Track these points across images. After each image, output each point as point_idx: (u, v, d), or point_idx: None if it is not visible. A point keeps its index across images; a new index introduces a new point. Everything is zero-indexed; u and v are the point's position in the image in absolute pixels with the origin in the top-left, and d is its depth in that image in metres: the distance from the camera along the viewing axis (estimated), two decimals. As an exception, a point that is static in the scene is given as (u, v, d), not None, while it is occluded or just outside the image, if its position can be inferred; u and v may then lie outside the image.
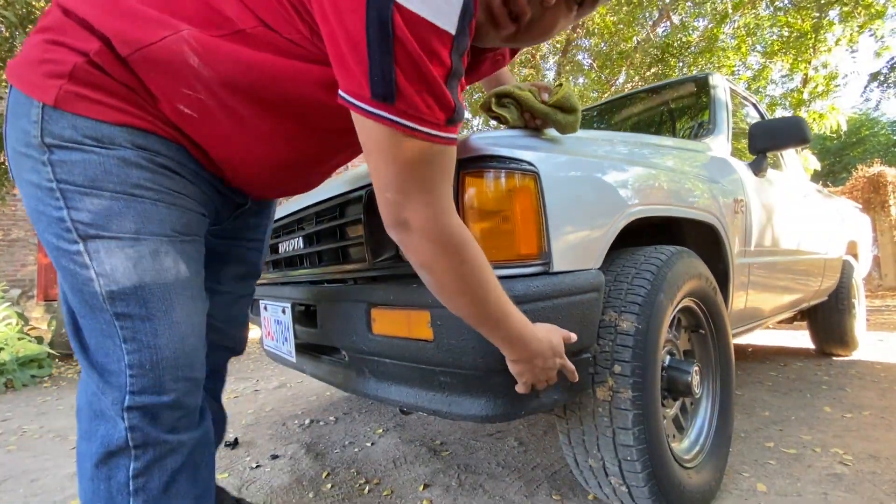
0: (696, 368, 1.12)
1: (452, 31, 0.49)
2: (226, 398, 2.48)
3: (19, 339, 3.29)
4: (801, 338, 3.48)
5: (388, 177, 0.55)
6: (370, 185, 0.95)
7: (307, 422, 1.96)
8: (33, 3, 3.45)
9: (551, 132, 0.93)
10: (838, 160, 15.35)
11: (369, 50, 0.48)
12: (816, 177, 7.22)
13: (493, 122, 0.98)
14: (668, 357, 1.13)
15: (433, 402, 0.87)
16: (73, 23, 0.58)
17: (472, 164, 0.81)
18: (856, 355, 2.88)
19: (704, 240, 1.37)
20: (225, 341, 1.00)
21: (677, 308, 1.13)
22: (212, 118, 0.63)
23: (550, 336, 0.74)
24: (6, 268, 7.21)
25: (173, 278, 0.64)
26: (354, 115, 0.54)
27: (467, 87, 0.92)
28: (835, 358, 2.84)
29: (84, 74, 0.57)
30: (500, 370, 0.79)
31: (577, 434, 1.00)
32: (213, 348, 0.97)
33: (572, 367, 0.80)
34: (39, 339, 3.68)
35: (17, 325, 3.40)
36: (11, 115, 0.61)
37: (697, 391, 1.12)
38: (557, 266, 0.83)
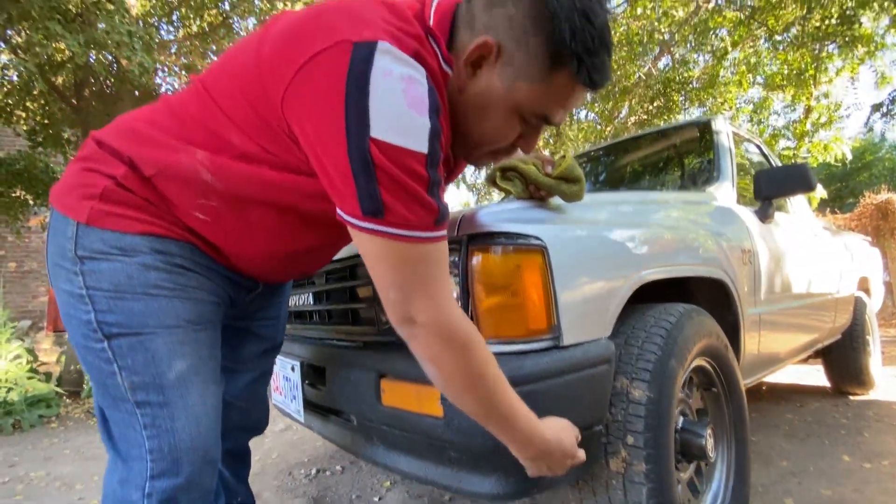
0: (710, 430, 1.10)
1: (425, 151, 0.56)
2: (232, 442, 2.45)
3: (29, 378, 3.30)
4: (816, 374, 3.40)
5: (388, 280, 0.60)
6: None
7: (314, 471, 1.93)
8: (54, 49, 3.56)
9: (556, 200, 0.95)
10: (845, 185, 15.32)
11: (355, 177, 0.55)
12: (824, 204, 7.21)
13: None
14: (681, 418, 1.12)
15: (443, 477, 0.86)
16: (104, 153, 0.67)
17: (481, 239, 0.82)
18: (873, 394, 2.81)
19: (713, 292, 1.37)
20: (248, 421, 1.02)
21: (689, 370, 1.12)
22: (223, 220, 0.70)
23: (561, 437, 0.73)
24: (18, 299, 7.29)
25: (188, 365, 0.69)
26: (351, 230, 0.60)
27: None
28: (851, 397, 2.77)
29: (111, 194, 0.66)
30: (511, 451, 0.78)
31: (591, 505, 0.98)
32: (236, 430, 0.99)
33: (583, 457, 0.78)
34: (48, 376, 3.68)
35: (26, 363, 3.41)
36: (52, 233, 0.70)
37: (712, 455, 1.10)
38: (567, 339, 0.83)
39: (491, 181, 0.94)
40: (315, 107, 0.55)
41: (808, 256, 2.08)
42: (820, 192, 5.80)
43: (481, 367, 0.64)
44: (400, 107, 0.54)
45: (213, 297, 0.75)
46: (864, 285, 2.98)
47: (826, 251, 2.33)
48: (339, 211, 0.60)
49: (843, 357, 2.71)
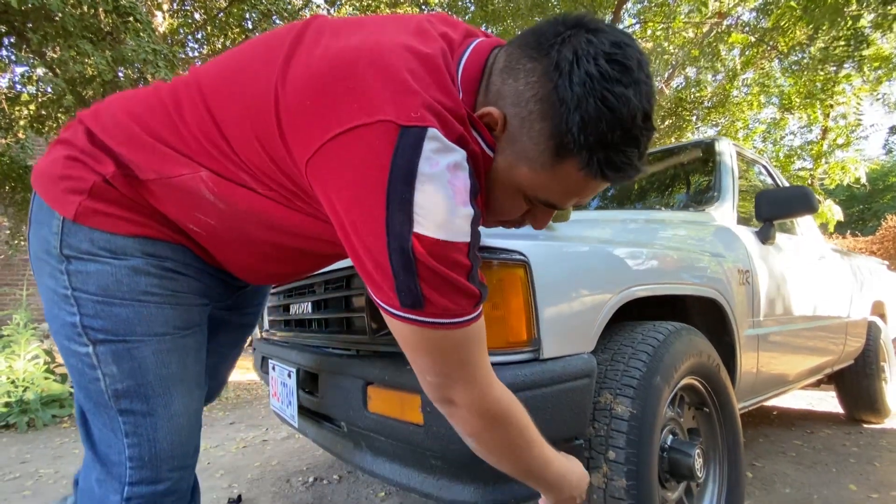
0: (699, 451, 1.09)
1: (468, 241, 0.53)
2: (235, 448, 2.49)
3: (45, 378, 3.40)
4: (830, 401, 3.31)
5: (427, 365, 0.59)
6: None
7: (311, 480, 1.95)
8: (84, 65, 3.74)
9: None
10: (868, 207, 14.96)
11: (394, 272, 0.51)
12: (843, 227, 7.06)
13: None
14: (669, 437, 1.12)
15: (424, 485, 0.88)
16: (93, 146, 0.63)
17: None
18: (888, 422, 2.72)
19: (709, 311, 1.37)
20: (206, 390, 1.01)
21: (676, 388, 1.12)
22: (218, 235, 0.69)
23: (582, 480, 0.76)
24: (40, 301, 7.52)
25: (173, 373, 0.69)
26: (386, 316, 0.57)
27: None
28: (865, 425, 2.69)
29: (101, 192, 0.62)
30: (489, 458, 0.80)
31: (573, 519, 0.98)
32: None
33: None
34: (63, 377, 3.79)
35: (44, 364, 3.52)
36: (35, 222, 0.66)
37: (700, 475, 1.09)
38: (547, 353, 0.85)
39: (479, 197, 0.97)
40: (351, 188, 0.51)
41: (815, 278, 2.05)
42: (837, 214, 5.69)
43: (521, 436, 0.65)
44: (447, 201, 0.50)
45: (202, 298, 0.74)
46: (879, 310, 2.91)
47: (835, 274, 2.29)
48: (372, 296, 0.57)
49: (857, 383, 2.64)
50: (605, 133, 0.52)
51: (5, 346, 3.60)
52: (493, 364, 0.81)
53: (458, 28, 0.65)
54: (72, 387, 3.75)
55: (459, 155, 0.52)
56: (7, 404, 3.18)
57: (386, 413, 0.89)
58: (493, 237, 0.87)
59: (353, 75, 0.52)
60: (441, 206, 0.50)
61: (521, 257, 0.86)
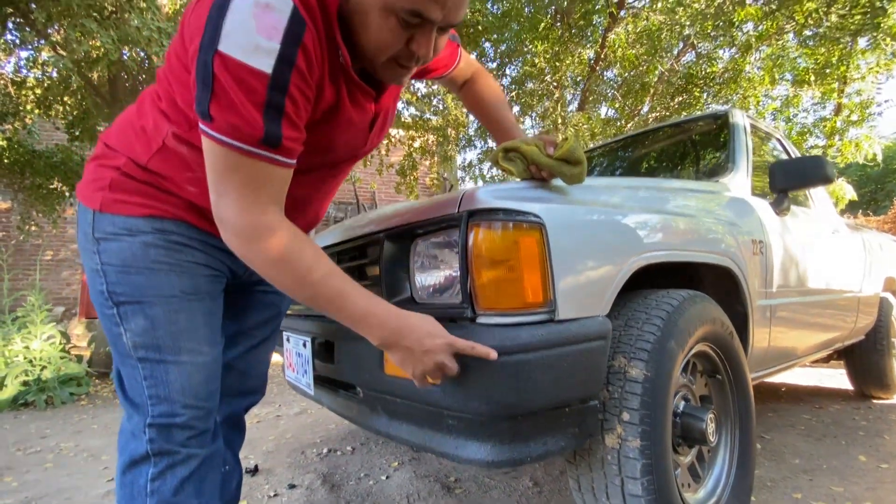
0: (711, 416, 1.10)
1: (268, 72, 0.61)
2: (249, 423, 2.53)
3: (61, 357, 3.47)
4: (839, 377, 3.31)
5: (211, 180, 0.68)
6: (389, 228, 1.01)
7: (325, 451, 1.99)
8: (89, 45, 3.71)
9: (559, 182, 0.97)
10: (880, 187, 14.71)
11: (196, 84, 0.63)
12: (855, 206, 6.96)
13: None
14: (682, 403, 1.13)
15: (441, 445, 0.89)
16: (108, 149, 0.82)
17: (480, 216, 0.85)
18: (898, 399, 2.72)
19: (722, 281, 1.37)
20: (245, 386, 1.07)
21: (690, 354, 1.12)
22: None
23: (424, 321, 0.75)
24: (52, 286, 7.64)
25: (181, 329, 0.80)
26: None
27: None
28: (875, 401, 2.69)
29: (117, 184, 0.79)
30: (506, 416, 0.81)
31: (587, 481, 1.00)
32: (233, 395, 1.04)
33: (454, 367, 0.75)
34: (79, 358, 3.87)
35: (59, 344, 3.59)
36: (79, 222, 0.83)
37: (713, 439, 1.10)
38: (562, 314, 0.85)
39: (493, 161, 0.96)
40: (191, 29, 0.64)
41: (828, 252, 2.03)
42: (850, 193, 5.61)
43: (296, 263, 0.69)
44: (247, 28, 0.59)
45: (208, 269, 0.85)
46: (891, 286, 2.89)
47: (848, 249, 2.27)
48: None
49: (867, 359, 2.64)
50: None
51: (21, 328, 3.67)
52: (511, 325, 0.82)
53: None
54: (89, 366, 3.83)
55: (278, 0, 0.60)
56: (25, 383, 3.26)
57: (403, 375, 0.90)
58: (508, 200, 0.86)
59: None
60: (242, 32, 0.59)
61: (537, 219, 0.86)
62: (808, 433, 2.11)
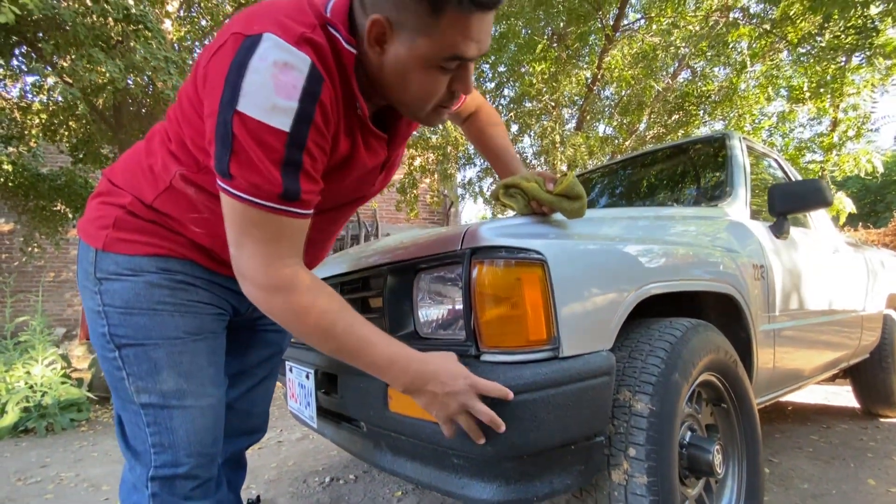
0: (718, 447, 1.09)
1: (286, 130, 0.62)
2: (249, 451, 2.51)
3: (62, 383, 3.46)
4: (845, 395, 3.28)
5: (230, 236, 0.68)
6: (392, 262, 1.02)
7: (327, 479, 1.97)
8: (96, 73, 3.78)
9: (560, 217, 0.98)
10: (880, 199, 14.75)
11: (215, 142, 0.63)
12: (855, 219, 6.97)
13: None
14: (688, 433, 1.12)
15: (446, 483, 0.89)
16: (114, 188, 0.81)
17: (483, 253, 0.86)
18: (906, 417, 2.69)
19: (724, 307, 1.37)
20: (247, 425, 1.07)
21: (694, 384, 1.12)
22: (213, 227, 0.77)
23: (446, 361, 0.75)
24: (54, 307, 7.63)
25: (185, 371, 0.80)
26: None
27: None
28: (882, 419, 2.66)
29: (122, 223, 0.78)
30: (512, 456, 0.81)
31: (594, 516, 0.99)
32: (235, 434, 1.04)
33: (481, 408, 0.73)
34: (80, 382, 3.85)
35: (60, 369, 3.57)
36: (79, 260, 0.82)
37: (720, 471, 1.09)
38: (566, 351, 0.86)
39: (494, 197, 0.98)
40: (209, 86, 0.64)
41: (830, 272, 2.03)
42: (850, 206, 5.62)
43: (320, 314, 0.70)
44: (267, 89, 0.60)
45: (213, 308, 0.85)
46: (894, 303, 2.88)
47: (849, 267, 2.27)
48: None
49: (873, 377, 2.62)
50: None
51: (23, 352, 3.66)
52: (514, 363, 0.82)
53: None
54: (89, 390, 3.80)
55: (295, 58, 0.61)
56: (26, 409, 3.23)
57: (407, 413, 0.90)
58: (510, 237, 0.87)
59: (229, 22, 0.66)
60: (261, 92, 0.60)
61: (539, 256, 0.86)
62: (817, 455, 2.08)
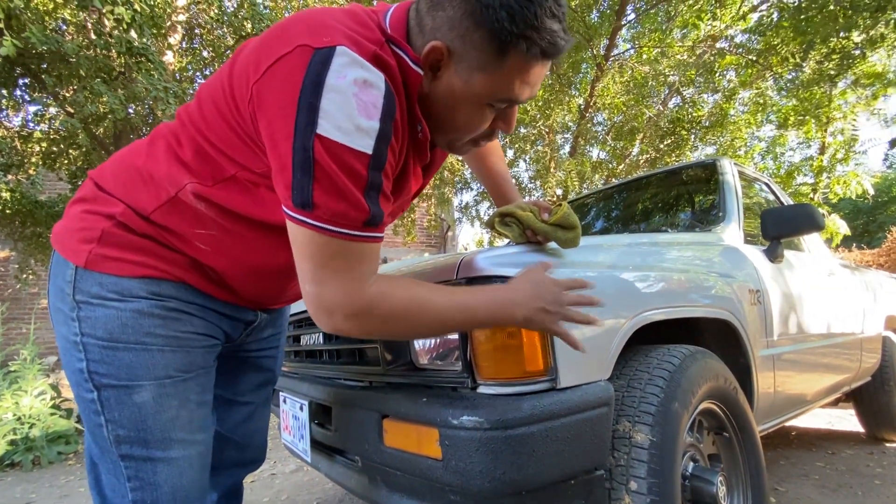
0: (722, 477, 1.07)
1: (369, 152, 0.58)
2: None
3: (51, 414, 3.37)
4: (850, 418, 3.23)
5: (307, 271, 0.62)
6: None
7: (322, 514, 1.91)
8: (99, 102, 3.81)
9: (555, 245, 0.99)
10: (872, 220, 14.92)
11: (293, 170, 0.57)
12: (848, 240, 7.03)
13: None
14: (690, 464, 1.09)
15: (443, 521, 0.86)
16: (100, 192, 0.70)
17: (478, 283, 0.86)
18: (912, 441, 2.65)
19: (722, 333, 1.36)
20: (244, 457, 1.03)
21: (695, 413, 1.10)
22: (223, 246, 0.72)
23: (528, 277, 0.74)
24: (46, 335, 7.52)
25: (172, 417, 0.71)
26: (287, 221, 0.62)
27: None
28: (888, 444, 2.62)
29: (110, 237, 0.67)
30: (510, 493, 0.78)
31: (596, 554, 0.95)
32: (232, 466, 1.01)
33: (579, 282, 0.76)
34: (69, 412, 3.76)
35: (50, 399, 3.50)
36: (53, 275, 0.71)
37: (724, 503, 1.07)
38: (564, 381, 0.85)
39: (490, 226, 0.98)
40: (273, 103, 0.58)
41: (825, 295, 2.03)
42: (843, 228, 5.68)
43: (419, 308, 0.66)
44: (349, 109, 0.56)
45: (205, 339, 0.77)
46: (893, 324, 2.87)
47: (845, 289, 2.28)
48: (283, 205, 0.62)
49: (875, 400, 2.59)
50: (530, 18, 0.59)
51: (12, 383, 3.59)
52: (512, 395, 0.81)
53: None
54: (77, 422, 3.71)
55: (373, 75, 0.58)
56: (12, 442, 3.14)
57: (403, 447, 0.88)
58: (506, 267, 0.87)
59: (284, 30, 0.61)
60: (343, 112, 0.56)
61: (535, 286, 0.86)
62: (823, 483, 2.04)
